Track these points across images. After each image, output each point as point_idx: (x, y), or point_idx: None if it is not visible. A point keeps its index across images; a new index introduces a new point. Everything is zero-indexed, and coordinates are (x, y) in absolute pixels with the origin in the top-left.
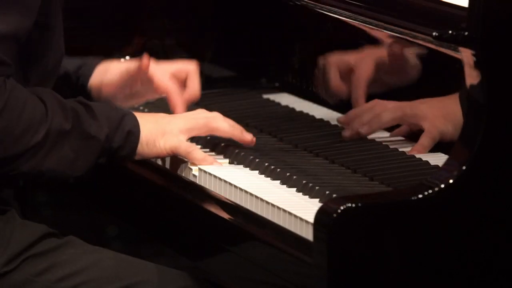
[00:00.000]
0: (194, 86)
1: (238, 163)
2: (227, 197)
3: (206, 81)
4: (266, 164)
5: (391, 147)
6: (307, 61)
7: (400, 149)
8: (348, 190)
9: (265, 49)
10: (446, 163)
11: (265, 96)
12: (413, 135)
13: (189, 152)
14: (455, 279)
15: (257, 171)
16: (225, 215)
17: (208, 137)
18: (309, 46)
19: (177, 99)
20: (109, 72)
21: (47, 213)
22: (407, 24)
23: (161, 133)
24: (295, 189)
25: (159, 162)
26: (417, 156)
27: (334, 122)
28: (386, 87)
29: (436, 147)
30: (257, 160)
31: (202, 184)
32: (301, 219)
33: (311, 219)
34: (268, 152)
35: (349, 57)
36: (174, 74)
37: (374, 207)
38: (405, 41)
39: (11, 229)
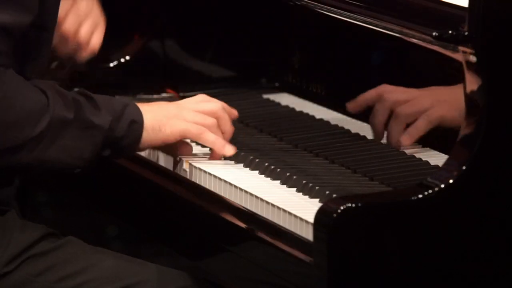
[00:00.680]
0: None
1: (238, 163)
2: (227, 197)
3: (206, 81)
4: (266, 164)
5: (391, 147)
6: (307, 61)
7: (400, 149)
8: (348, 190)
9: (265, 49)
10: (446, 163)
11: (265, 96)
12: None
13: (201, 133)
14: (455, 279)
15: (257, 171)
16: (225, 215)
17: None
18: (309, 46)
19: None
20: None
21: (47, 213)
22: (407, 24)
23: (166, 118)
24: (295, 189)
25: (160, 162)
26: (417, 156)
27: (334, 122)
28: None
29: (436, 147)
30: (257, 160)
31: (202, 184)
32: (301, 219)
33: (311, 219)
34: (268, 152)
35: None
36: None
37: (374, 207)
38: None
39: (10, 230)
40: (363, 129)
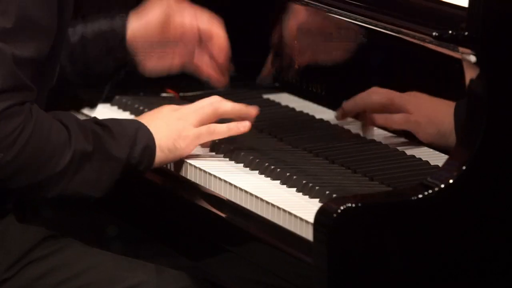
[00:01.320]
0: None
1: (238, 163)
2: (227, 197)
3: (206, 81)
4: (266, 164)
5: (391, 147)
6: (307, 61)
7: (400, 149)
8: (348, 190)
9: (265, 49)
10: (446, 163)
11: (265, 96)
12: (413, 135)
13: (213, 131)
14: (455, 279)
15: (257, 171)
16: (225, 215)
17: None
18: (309, 46)
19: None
20: (146, 12)
21: (47, 213)
22: (407, 24)
23: (176, 135)
24: (295, 189)
25: None
26: (417, 156)
27: (334, 122)
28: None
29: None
30: (257, 160)
31: (202, 184)
32: (301, 219)
33: (311, 219)
34: (268, 152)
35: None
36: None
37: (374, 207)
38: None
39: (10, 235)
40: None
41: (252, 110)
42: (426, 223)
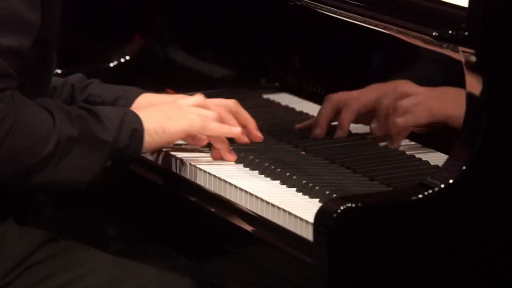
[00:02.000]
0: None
1: (238, 163)
2: (227, 197)
3: (206, 81)
4: (266, 164)
5: (391, 147)
6: (307, 61)
7: (400, 149)
8: (348, 190)
9: (265, 49)
10: (446, 163)
11: (265, 96)
12: (413, 136)
13: (205, 124)
14: (455, 279)
15: (257, 171)
16: (225, 215)
17: None
18: (309, 46)
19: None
20: None
21: (48, 213)
22: (407, 24)
23: (167, 118)
24: (295, 189)
25: (159, 162)
26: (417, 156)
27: (334, 122)
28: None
29: (436, 147)
30: (257, 160)
31: (202, 184)
32: (301, 219)
33: (311, 219)
34: (268, 152)
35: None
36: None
37: (374, 207)
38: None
39: (9, 240)
40: (363, 129)
41: (236, 131)
42: (426, 223)
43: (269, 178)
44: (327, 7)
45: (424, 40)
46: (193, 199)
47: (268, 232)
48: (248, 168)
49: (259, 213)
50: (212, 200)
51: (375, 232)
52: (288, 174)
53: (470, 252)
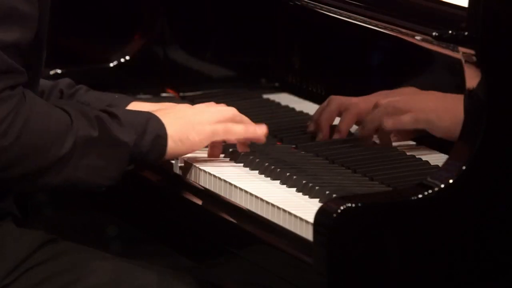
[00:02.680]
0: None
1: (238, 163)
2: (227, 197)
3: (206, 81)
4: (266, 164)
5: (391, 147)
6: (307, 61)
7: (400, 149)
8: (348, 190)
9: (265, 49)
10: (446, 163)
11: (265, 96)
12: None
13: (229, 130)
14: (455, 279)
15: (257, 171)
16: (225, 215)
17: None
18: (309, 46)
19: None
20: None
21: (48, 213)
22: (407, 24)
23: (191, 128)
24: (295, 189)
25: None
26: (417, 156)
27: (334, 122)
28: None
29: (436, 147)
30: (257, 160)
31: (202, 184)
32: (301, 219)
33: (311, 219)
34: (268, 152)
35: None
36: None
37: (374, 207)
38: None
39: (7, 242)
40: None
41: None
42: (426, 223)
43: (269, 178)
44: (327, 7)
45: (424, 40)
46: (193, 199)
47: (268, 232)
48: (248, 168)
49: (259, 213)
50: (212, 200)
51: (375, 232)
52: (288, 174)
53: (470, 252)
